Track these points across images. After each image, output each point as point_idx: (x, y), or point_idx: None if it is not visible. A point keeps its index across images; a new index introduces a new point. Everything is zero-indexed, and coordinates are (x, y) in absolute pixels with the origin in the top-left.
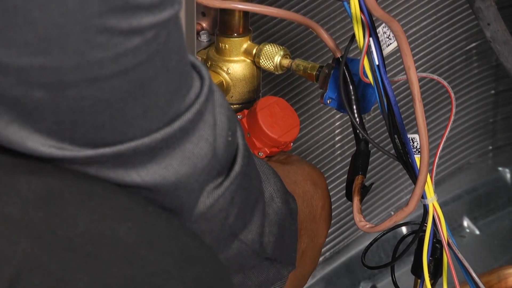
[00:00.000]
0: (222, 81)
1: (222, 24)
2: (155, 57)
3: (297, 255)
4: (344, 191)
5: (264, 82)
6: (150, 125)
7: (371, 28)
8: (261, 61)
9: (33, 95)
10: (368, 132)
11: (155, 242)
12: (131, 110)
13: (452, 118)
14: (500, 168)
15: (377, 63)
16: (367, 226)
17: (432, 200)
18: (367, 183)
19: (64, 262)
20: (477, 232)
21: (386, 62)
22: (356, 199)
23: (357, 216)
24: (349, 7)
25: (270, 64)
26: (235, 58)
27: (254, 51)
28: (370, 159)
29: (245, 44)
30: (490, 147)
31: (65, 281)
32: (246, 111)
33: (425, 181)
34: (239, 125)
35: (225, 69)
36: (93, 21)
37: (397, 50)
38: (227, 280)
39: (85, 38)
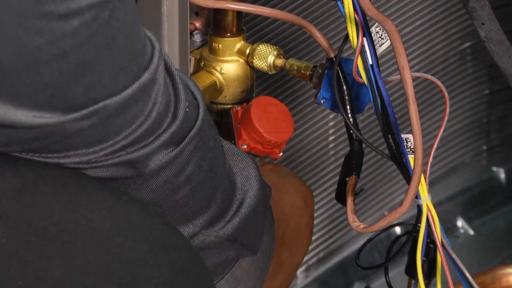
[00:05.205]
0: (216, 81)
1: (216, 24)
2: (95, 37)
3: (275, 266)
4: None
5: (258, 82)
6: (89, 102)
7: (364, 27)
8: (254, 61)
9: None
10: (361, 132)
11: (130, 230)
12: (71, 89)
13: (446, 118)
14: (494, 168)
15: (370, 62)
16: (361, 226)
17: (426, 200)
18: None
19: (40, 251)
20: (472, 232)
21: (380, 61)
22: (350, 200)
23: (351, 217)
24: (343, 6)
25: (263, 64)
26: (229, 58)
27: (247, 51)
28: (364, 159)
29: (239, 44)
30: (485, 147)
31: (41, 270)
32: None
33: (419, 181)
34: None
35: (219, 69)
36: (30, 8)
37: (391, 49)
38: (202, 266)
39: (23, 25)
